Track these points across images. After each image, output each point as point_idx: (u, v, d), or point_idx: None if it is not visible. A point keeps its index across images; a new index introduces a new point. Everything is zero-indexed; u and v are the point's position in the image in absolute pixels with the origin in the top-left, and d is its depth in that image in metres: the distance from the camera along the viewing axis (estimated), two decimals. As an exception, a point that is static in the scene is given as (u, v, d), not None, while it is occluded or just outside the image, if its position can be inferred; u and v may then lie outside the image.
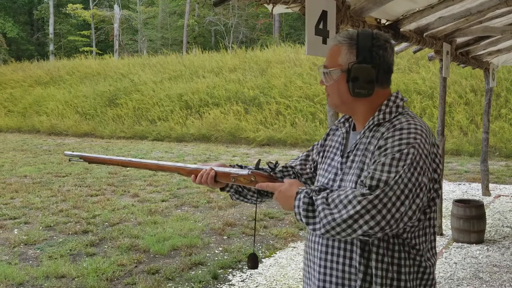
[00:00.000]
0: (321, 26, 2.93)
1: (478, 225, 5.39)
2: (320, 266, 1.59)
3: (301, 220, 1.47)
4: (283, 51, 21.18)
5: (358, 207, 1.34)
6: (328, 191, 1.47)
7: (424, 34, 4.83)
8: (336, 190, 1.46)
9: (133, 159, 1.95)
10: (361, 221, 1.34)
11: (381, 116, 1.55)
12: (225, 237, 5.83)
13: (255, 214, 1.87)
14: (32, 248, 5.50)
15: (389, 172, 1.38)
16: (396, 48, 5.66)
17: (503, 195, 7.82)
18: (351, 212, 1.35)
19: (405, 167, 1.38)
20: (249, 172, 1.72)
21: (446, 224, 5.97)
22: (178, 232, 5.96)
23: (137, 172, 10.47)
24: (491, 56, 7.05)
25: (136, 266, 4.88)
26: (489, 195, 7.78)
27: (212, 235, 5.90)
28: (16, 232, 6.07)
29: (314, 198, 1.45)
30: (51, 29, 37.57)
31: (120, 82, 22.04)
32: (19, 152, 14.22)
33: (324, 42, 2.95)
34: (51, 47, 37.33)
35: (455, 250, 5.20)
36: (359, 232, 1.36)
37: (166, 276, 4.58)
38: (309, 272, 1.68)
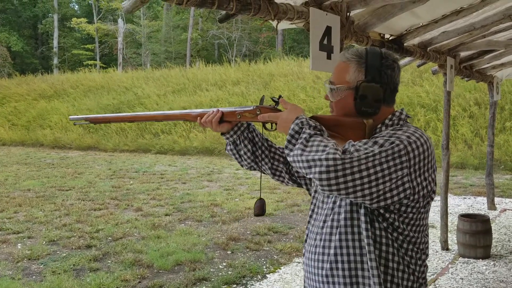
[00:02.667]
0: (325, 42, 2.94)
1: (484, 240, 5.34)
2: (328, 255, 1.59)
3: (286, 141, 1.52)
4: (286, 64, 21.25)
5: (323, 158, 1.38)
6: (318, 131, 1.51)
7: (428, 49, 4.83)
8: (322, 135, 1.50)
9: (139, 113, 1.98)
10: (314, 169, 1.39)
11: (383, 129, 1.56)
12: (229, 252, 5.79)
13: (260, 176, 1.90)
14: (36, 263, 5.48)
15: (365, 149, 1.40)
16: (400, 62, 5.66)
17: (508, 209, 7.76)
18: (315, 157, 1.39)
19: (382, 152, 1.39)
20: (254, 107, 1.79)
21: (452, 238, 5.92)
22: (182, 247, 5.92)
23: (140, 185, 10.45)
24: (495, 70, 7.05)
25: (139, 282, 4.84)
26: (495, 209, 7.72)
27: (216, 250, 5.87)
28: (19, 247, 6.05)
29: (303, 129, 1.50)
30: (55, 43, 37.91)
31: (124, 95, 22.13)
32: (22, 166, 14.24)
33: (329, 57, 2.95)
34: (55, 61, 37.62)
35: (461, 266, 5.15)
36: (311, 176, 1.41)
37: (169, 292, 4.55)
38: (310, 266, 1.67)
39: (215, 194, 9.45)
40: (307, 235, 1.72)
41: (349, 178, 1.37)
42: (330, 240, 1.58)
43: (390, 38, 4.12)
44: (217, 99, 18.97)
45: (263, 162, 1.91)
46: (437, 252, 5.66)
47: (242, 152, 1.90)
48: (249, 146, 1.89)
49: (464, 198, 8.84)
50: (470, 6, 3.88)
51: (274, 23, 2.88)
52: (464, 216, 5.46)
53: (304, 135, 1.48)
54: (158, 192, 9.74)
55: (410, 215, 1.51)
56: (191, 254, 5.61)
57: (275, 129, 1.74)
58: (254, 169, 1.94)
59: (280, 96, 1.77)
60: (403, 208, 1.49)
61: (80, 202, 8.76)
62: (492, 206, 7.74)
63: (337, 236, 1.55)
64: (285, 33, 33.80)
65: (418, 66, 5.81)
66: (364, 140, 1.45)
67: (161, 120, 1.97)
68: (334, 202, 1.60)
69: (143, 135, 18.49)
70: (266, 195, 9.03)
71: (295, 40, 34.86)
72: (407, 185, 1.43)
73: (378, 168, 1.38)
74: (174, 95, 20.71)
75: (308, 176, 1.44)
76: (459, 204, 8.25)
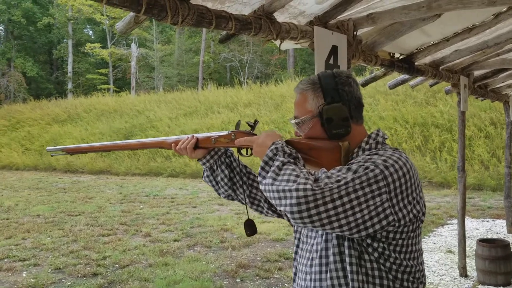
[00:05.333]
0: (331, 61, 2.81)
1: (505, 266, 5.08)
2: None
3: (259, 168, 1.45)
4: (298, 85, 21.17)
5: (293, 189, 1.29)
6: (292, 158, 1.43)
7: (440, 68, 4.68)
8: (296, 163, 1.42)
9: (115, 142, 1.93)
10: (285, 201, 1.30)
11: (360, 153, 1.49)
12: (238, 280, 5.60)
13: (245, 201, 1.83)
14: (39, 292, 5.34)
15: (337, 176, 1.33)
16: (412, 82, 5.52)
17: (529, 232, 7.47)
18: (285, 187, 1.31)
19: (356, 179, 1.31)
20: (229, 132, 1.74)
21: (471, 264, 5.66)
22: (190, 275, 5.75)
23: (150, 210, 10.32)
24: (511, 89, 6.85)
25: (144, 312, 4.67)
26: (515, 232, 7.44)
27: (224, 278, 5.68)
28: (24, 275, 5.92)
29: (277, 157, 1.42)
30: (69, 68, 38.44)
31: (136, 118, 22.21)
32: (34, 191, 14.22)
33: (335, 78, 2.82)
34: (70, 86, 38.09)
35: (481, 294, 4.90)
36: (282, 208, 1.32)
37: (175, 324, 4.37)
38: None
39: (226, 218, 9.27)
40: (295, 274, 1.61)
41: (321, 209, 1.28)
42: (320, 280, 1.46)
43: (400, 57, 3.98)
44: (228, 121, 18.91)
45: (241, 190, 1.84)
46: (455, 279, 5.41)
47: (219, 178, 1.84)
48: (226, 172, 1.82)
49: (482, 221, 8.55)
50: (482, 23, 3.73)
51: (277, 42, 2.77)
52: (483, 241, 5.22)
53: (277, 163, 1.40)
54: (168, 216, 9.60)
55: (400, 241, 1.41)
56: (198, 283, 5.43)
57: (251, 154, 1.68)
58: (232, 199, 1.87)
59: (256, 121, 1.75)
60: (391, 235, 1.39)
61: (88, 227, 8.64)
62: (511, 229, 7.45)
63: (328, 275, 1.44)
64: (297, 54, 33.91)
65: (431, 85, 5.65)
66: (338, 167, 1.38)
67: (136, 148, 1.91)
68: (321, 236, 1.49)
69: (155, 158, 18.45)
70: (278, 218, 8.83)
71: (306, 61, 34.91)
72: (388, 211, 1.33)
73: (352, 196, 1.29)
74: (186, 118, 20.71)
75: (279, 209, 1.35)
76: (477, 228, 7.97)
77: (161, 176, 17.33)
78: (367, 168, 1.34)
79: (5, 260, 6.59)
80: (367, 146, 1.50)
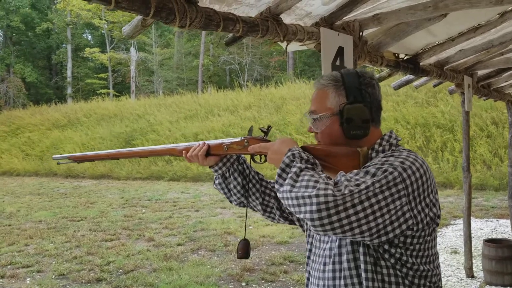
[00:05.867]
0: (337, 63, 2.79)
1: (512, 266, 5.05)
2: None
3: (276, 176, 1.41)
4: (298, 87, 21.19)
5: (313, 195, 1.25)
6: (310, 164, 1.39)
7: (445, 68, 4.65)
8: (314, 168, 1.38)
9: (123, 150, 1.91)
10: (305, 208, 1.27)
11: (373, 155, 1.46)
12: (243, 284, 5.56)
13: (245, 214, 1.76)
14: (43, 299, 5.31)
15: (357, 180, 1.30)
16: (416, 83, 5.49)
17: (534, 232, 7.44)
18: (305, 194, 1.27)
19: (375, 183, 1.28)
20: (242, 138, 1.70)
21: (477, 265, 5.64)
22: (195, 279, 5.72)
23: (152, 214, 10.29)
24: (514, 88, 6.83)
25: (150, 318, 4.64)
26: (519, 232, 7.42)
27: (229, 282, 5.64)
28: (28, 282, 5.89)
29: (294, 163, 1.38)
30: (69, 72, 38.43)
31: (136, 123, 22.18)
32: (35, 196, 14.18)
33: (342, 79, 2.79)
34: (69, 90, 38.07)
35: (489, 295, 4.87)
36: (302, 216, 1.29)
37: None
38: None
39: (229, 221, 9.24)
40: (308, 279, 1.57)
41: (343, 215, 1.24)
42: (334, 286, 1.43)
43: (405, 58, 3.96)
44: (229, 124, 18.89)
45: (253, 197, 1.79)
46: (461, 280, 5.38)
47: (231, 186, 1.79)
48: (239, 179, 1.77)
49: (486, 221, 8.52)
50: (488, 23, 3.71)
51: (283, 44, 2.74)
52: (489, 241, 5.19)
53: (294, 169, 1.36)
54: (171, 220, 9.57)
55: (417, 246, 1.38)
56: (204, 287, 5.40)
57: (265, 161, 1.65)
58: (244, 206, 1.82)
59: (269, 126, 1.70)
60: (408, 240, 1.36)
61: (91, 233, 8.61)
62: (516, 229, 7.43)
63: (342, 281, 1.41)
64: (296, 56, 33.90)
65: (435, 86, 5.63)
66: (355, 171, 1.35)
67: (145, 156, 1.89)
68: (334, 241, 1.46)
69: (156, 162, 18.42)
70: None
71: (306, 63, 34.92)
72: (408, 215, 1.31)
73: (373, 201, 1.26)
74: (186, 121, 20.69)
75: (298, 216, 1.31)
76: (481, 228, 7.95)
77: (163, 180, 17.29)
78: (385, 171, 1.31)
79: (8, 266, 6.56)
80: (381, 148, 1.47)
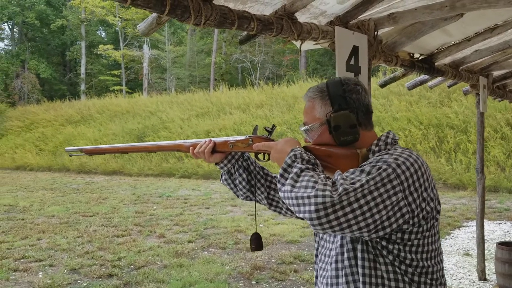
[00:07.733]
0: (352, 62, 2.77)
1: (526, 270, 4.99)
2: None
3: (278, 175, 1.46)
4: (310, 86, 21.08)
5: (312, 195, 1.30)
6: (311, 165, 1.44)
7: (460, 68, 4.61)
8: (315, 169, 1.43)
9: (133, 144, 1.97)
10: (304, 208, 1.31)
11: (370, 156, 1.50)
12: (253, 282, 5.56)
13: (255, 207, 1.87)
14: (55, 293, 5.35)
15: (352, 179, 1.34)
16: (430, 83, 5.45)
17: (548, 235, 7.35)
18: (304, 194, 1.32)
19: (370, 181, 1.32)
20: (247, 136, 1.76)
21: (489, 268, 5.58)
22: (205, 276, 5.73)
23: (164, 211, 10.33)
24: (530, 89, 6.74)
25: (160, 314, 4.66)
26: (533, 235, 7.33)
27: (240, 280, 5.65)
28: (40, 276, 5.94)
29: (295, 163, 1.43)
30: (82, 69, 38.70)
31: (149, 119, 22.28)
32: (48, 191, 14.31)
33: (356, 79, 2.78)
34: (83, 87, 38.35)
35: (501, 298, 4.81)
36: (301, 215, 1.33)
37: (191, 326, 4.35)
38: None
39: (239, 219, 9.25)
40: (316, 278, 1.63)
41: (340, 213, 1.28)
42: (337, 284, 1.49)
43: (420, 58, 3.92)
44: (240, 122, 18.90)
45: (259, 192, 1.85)
46: (474, 282, 5.33)
47: (237, 182, 1.86)
48: (244, 175, 1.84)
49: (499, 223, 8.43)
50: (505, 23, 3.67)
51: (297, 43, 2.73)
52: (502, 244, 5.12)
53: (295, 170, 1.41)
54: (182, 217, 9.60)
55: (416, 241, 1.41)
56: (214, 284, 5.41)
57: (268, 159, 1.71)
58: (250, 199, 1.89)
59: (273, 126, 1.77)
60: (406, 236, 1.40)
61: (103, 228, 8.67)
62: (530, 232, 7.35)
63: (343, 279, 1.46)
64: (308, 55, 33.81)
65: (449, 86, 5.58)
66: (351, 170, 1.40)
67: (154, 151, 1.94)
68: (337, 241, 1.51)
69: (167, 159, 18.50)
70: (292, 220, 8.80)
71: (318, 62, 34.80)
72: (404, 210, 1.34)
73: (368, 198, 1.30)
74: (198, 119, 20.74)
75: (298, 215, 1.36)
76: (494, 230, 7.87)
77: (174, 177, 17.35)
78: (379, 168, 1.34)
79: (21, 260, 6.63)
80: (377, 148, 1.52)
